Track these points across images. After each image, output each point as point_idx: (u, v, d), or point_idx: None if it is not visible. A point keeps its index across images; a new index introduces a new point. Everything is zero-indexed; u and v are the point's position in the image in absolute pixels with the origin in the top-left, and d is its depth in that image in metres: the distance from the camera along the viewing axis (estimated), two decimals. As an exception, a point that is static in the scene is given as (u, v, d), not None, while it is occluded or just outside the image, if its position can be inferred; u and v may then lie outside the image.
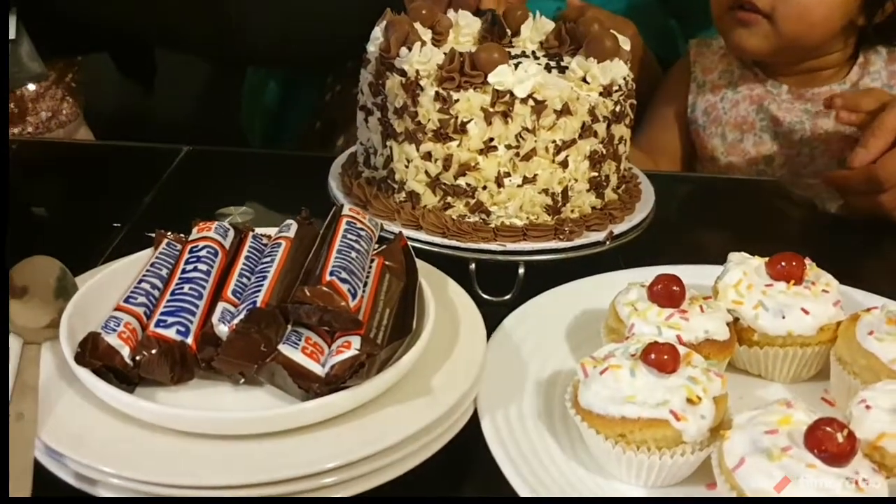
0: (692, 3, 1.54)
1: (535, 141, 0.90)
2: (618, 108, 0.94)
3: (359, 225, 0.80)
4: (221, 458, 0.64)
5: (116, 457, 0.63)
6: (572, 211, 0.95)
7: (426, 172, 0.92)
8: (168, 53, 1.63)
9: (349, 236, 0.77)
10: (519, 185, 0.91)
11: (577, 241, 0.93)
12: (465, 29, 1.01)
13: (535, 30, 1.02)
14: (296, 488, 0.63)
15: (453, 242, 0.91)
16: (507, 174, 0.91)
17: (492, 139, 0.89)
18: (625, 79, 0.95)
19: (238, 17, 1.33)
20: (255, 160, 1.37)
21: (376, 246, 0.82)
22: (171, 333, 0.70)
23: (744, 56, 1.37)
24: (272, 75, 1.68)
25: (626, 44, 0.97)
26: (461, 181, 0.91)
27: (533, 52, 1.00)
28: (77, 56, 1.48)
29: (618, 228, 0.96)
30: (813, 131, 1.34)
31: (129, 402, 0.66)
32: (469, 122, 0.89)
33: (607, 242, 0.95)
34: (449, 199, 0.92)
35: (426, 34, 0.96)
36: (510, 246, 0.92)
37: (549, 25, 1.02)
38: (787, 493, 0.60)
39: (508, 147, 0.90)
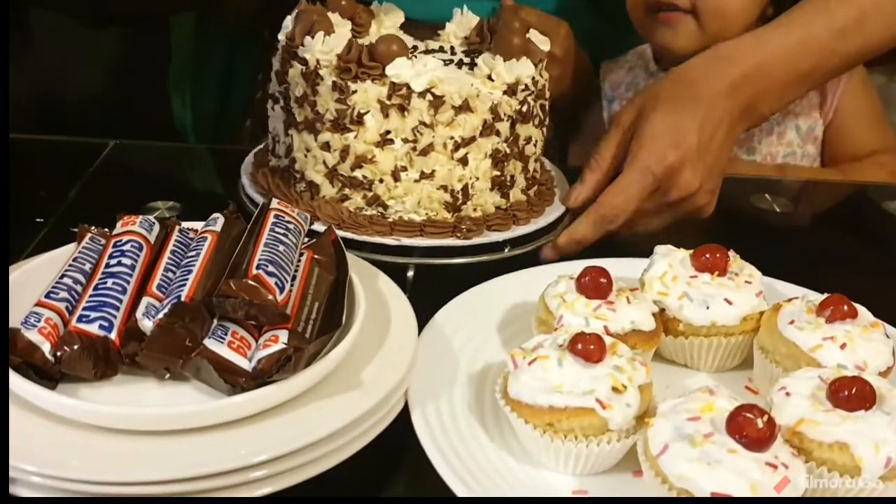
0: (622, 4, 1.56)
1: (433, 136, 0.89)
2: (524, 108, 0.93)
3: (287, 218, 0.79)
4: (147, 454, 0.63)
5: (37, 454, 0.62)
6: (475, 210, 0.94)
7: (324, 163, 0.92)
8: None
9: (277, 230, 0.76)
10: (416, 180, 0.91)
11: (477, 241, 0.93)
12: (388, 21, 1.01)
13: (460, 25, 1.03)
14: (224, 483, 0.62)
15: (349, 235, 0.91)
16: (404, 168, 0.91)
17: (388, 132, 0.89)
18: (533, 78, 0.94)
19: None
20: (183, 154, 1.35)
21: (306, 240, 0.82)
22: (93, 329, 0.68)
23: (670, 56, 1.38)
24: (208, 74, 1.66)
25: (544, 44, 0.97)
26: (358, 173, 0.91)
27: (452, 48, 1.00)
28: None
29: (522, 230, 0.96)
30: None
31: (51, 399, 0.64)
32: (366, 113, 0.89)
33: (507, 249, 0.95)
34: (347, 190, 0.92)
35: (345, 25, 0.95)
36: (405, 241, 0.91)
37: (475, 21, 1.03)
38: (709, 477, 0.61)
39: (405, 141, 0.89)
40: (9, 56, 1.21)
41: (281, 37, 0.97)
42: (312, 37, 0.91)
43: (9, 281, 0.73)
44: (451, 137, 0.90)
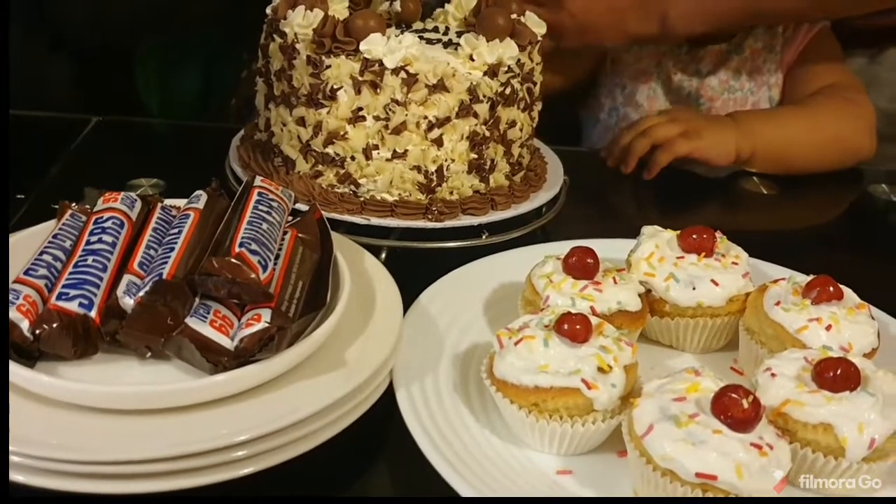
0: None
1: (406, 114, 0.88)
2: (507, 91, 0.91)
3: (271, 196, 0.78)
4: (128, 433, 0.62)
5: (16, 434, 0.60)
6: (451, 192, 0.93)
7: (298, 138, 0.90)
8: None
9: (261, 207, 0.75)
10: (388, 159, 0.89)
11: (454, 224, 0.91)
12: None
13: (458, 7, 1.01)
14: (206, 462, 0.62)
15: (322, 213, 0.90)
16: (376, 147, 0.89)
17: (360, 109, 0.87)
18: (518, 60, 0.92)
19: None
20: (167, 132, 1.34)
21: (290, 218, 0.81)
22: (73, 306, 0.67)
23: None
24: (192, 57, 1.65)
25: (538, 27, 0.96)
26: (330, 149, 0.89)
27: (447, 28, 0.99)
28: None
29: (500, 215, 0.94)
30: (698, 90, 1.38)
31: (29, 377, 0.63)
32: (339, 89, 0.87)
33: (484, 236, 0.94)
34: (320, 167, 0.90)
35: (342, 3, 0.94)
36: (375, 221, 0.90)
37: (474, 2, 1.01)
38: (694, 458, 0.61)
39: (377, 118, 0.88)
40: (8, 54, 1.19)
41: (268, 10, 0.96)
42: (294, 11, 0.90)
43: (9, 272, 0.72)
44: (425, 117, 0.88)
